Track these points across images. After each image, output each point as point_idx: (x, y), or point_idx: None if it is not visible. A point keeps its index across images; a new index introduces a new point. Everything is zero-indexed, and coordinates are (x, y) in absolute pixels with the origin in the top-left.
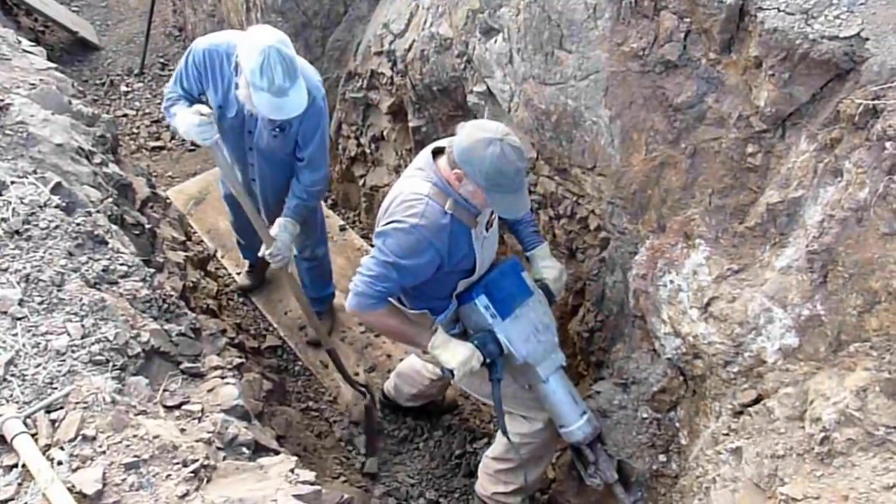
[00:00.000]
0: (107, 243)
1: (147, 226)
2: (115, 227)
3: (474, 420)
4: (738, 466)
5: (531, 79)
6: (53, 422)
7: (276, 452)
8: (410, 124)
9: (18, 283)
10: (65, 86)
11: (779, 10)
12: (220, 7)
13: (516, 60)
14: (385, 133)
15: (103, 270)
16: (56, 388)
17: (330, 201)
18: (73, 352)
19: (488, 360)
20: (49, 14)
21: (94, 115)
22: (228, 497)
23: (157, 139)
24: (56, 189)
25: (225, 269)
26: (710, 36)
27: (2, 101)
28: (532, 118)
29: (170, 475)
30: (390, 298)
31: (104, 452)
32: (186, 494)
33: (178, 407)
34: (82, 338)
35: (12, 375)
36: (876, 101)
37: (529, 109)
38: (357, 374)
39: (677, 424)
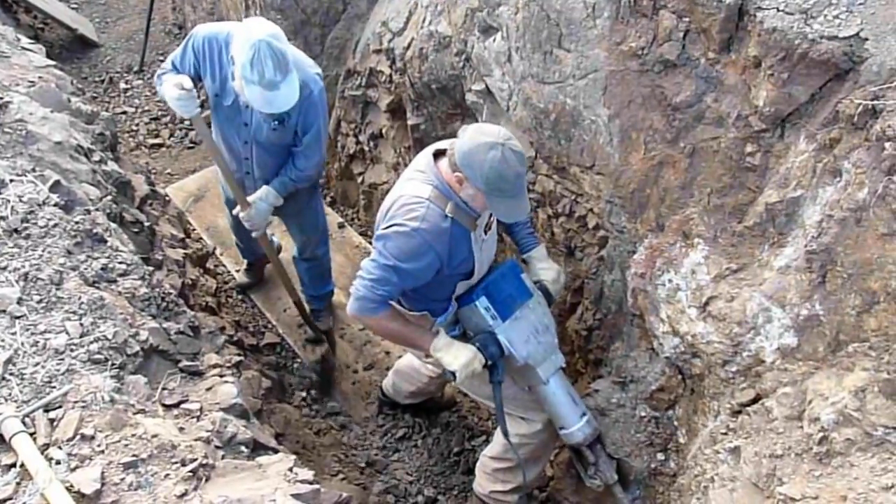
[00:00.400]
0: (106, 241)
1: (146, 223)
2: (113, 225)
3: (472, 417)
4: (737, 466)
5: (530, 77)
6: (52, 421)
7: (275, 451)
8: (409, 122)
9: (17, 281)
10: (64, 83)
11: (778, 10)
12: (220, 4)
13: (515, 59)
14: (384, 131)
15: (102, 269)
16: (55, 387)
17: (329, 198)
18: (71, 350)
19: (490, 363)
20: (48, 11)
21: (94, 113)
22: (227, 497)
23: (156, 136)
24: (55, 187)
25: (224, 266)
26: (710, 35)
27: (1, 98)
28: (531, 117)
29: (168, 475)
30: (391, 302)
31: (103, 452)
32: (185, 494)
33: (176, 406)
34: (81, 336)
35: (11, 374)
36: (875, 102)
37: (528, 108)
38: (356, 370)
39: (676, 423)
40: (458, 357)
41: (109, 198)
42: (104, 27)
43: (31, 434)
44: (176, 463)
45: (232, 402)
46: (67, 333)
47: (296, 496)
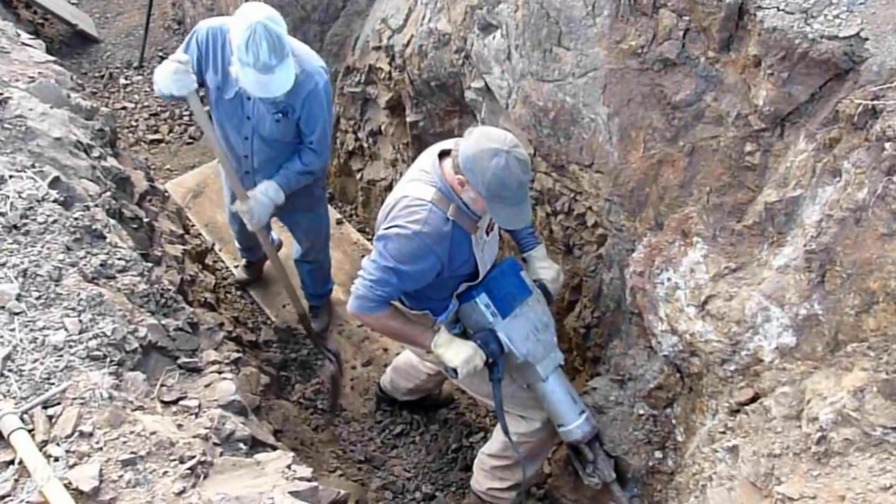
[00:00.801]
0: (105, 237)
1: (145, 219)
2: (113, 222)
3: (470, 414)
4: (735, 465)
5: (529, 75)
6: (50, 417)
7: (273, 448)
8: (408, 119)
9: (16, 277)
10: (63, 79)
11: (778, 10)
12: (219, 0)
13: (514, 57)
14: (383, 127)
15: (101, 265)
16: (53, 384)
17: (327, 195)
18: (70, 347)
19: (490, 360)
20: (48, 6)
21: (93, 109)
22: (225, 494)
23: (156, 132)
24: (54, 183)
25: (223, 262)
26: (710, 34)
27: (0, 94)
28: (530, 115)
29: (166, 472)
30: (391, 302)
31: (101, 449)
32: (183, 491)
33: (175, 402)
34: (80, 333)
35: (9, 370)
36: (875, 102)
37: (527, 106)
38: (354, 367)
39: (674, 421)
40: (458, 354)
41: (109, 194)
42: (104, 23)
43: (30, 431)
44: (174, 460)
45: (230, 398)
46: (66, 330)
47: (294, 493)
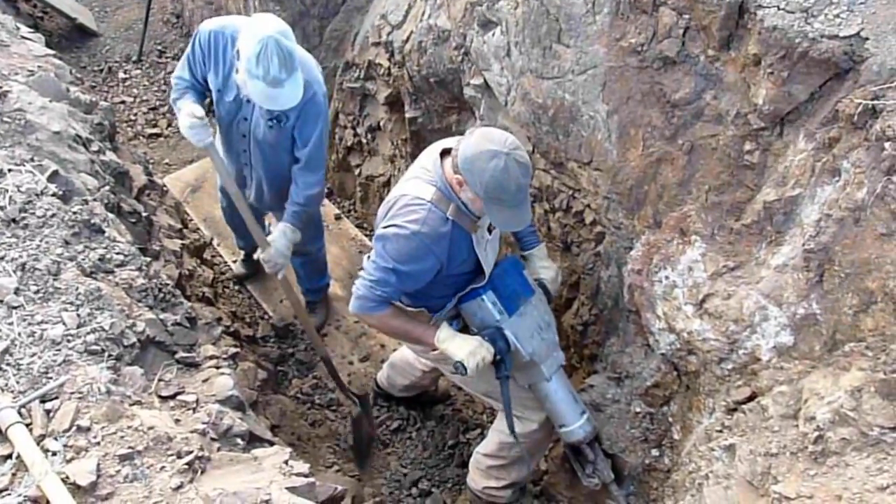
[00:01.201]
0: (103, 232)
1: (144, 214)
2: (111, 216)
3: (467, 411)
4: (732, 463)
5: (529, 72)
6: (48, 412)
7: (271, 443)
8: (407, 115)
9: (14, 271)
10: (63, 73)
11: (779, 9)
12: None
13: (514, 54)
14: (381, 123)
15: (99, 259)
16: (51, 378)
17: (325, 190)
18: (68, 341)
19: (498, 357)
20: (48, 0)
21: (92, 103)
22: (223, 490)
23: (155, 126)
24: (53, 177)
25: (221, 256)
26: (709, 33)
27: (0, 87)
28: (529, 112)
29: (164, 467)
30: (392, 301)
31: (99, 443)
32: (180, 486)
33: (172, 397)
34: (78, 327)
35: (7, 365)
36: (875, 101)
37: (526, 103)
38: (351, 362)
39: (670, 419)
40: (462, 347)
41: (107, 188)
42: (103, 16)
43: (27, 425)
44: (172, 455)
45: (228, 393)
46: (64, 324)
47: (291, 489)
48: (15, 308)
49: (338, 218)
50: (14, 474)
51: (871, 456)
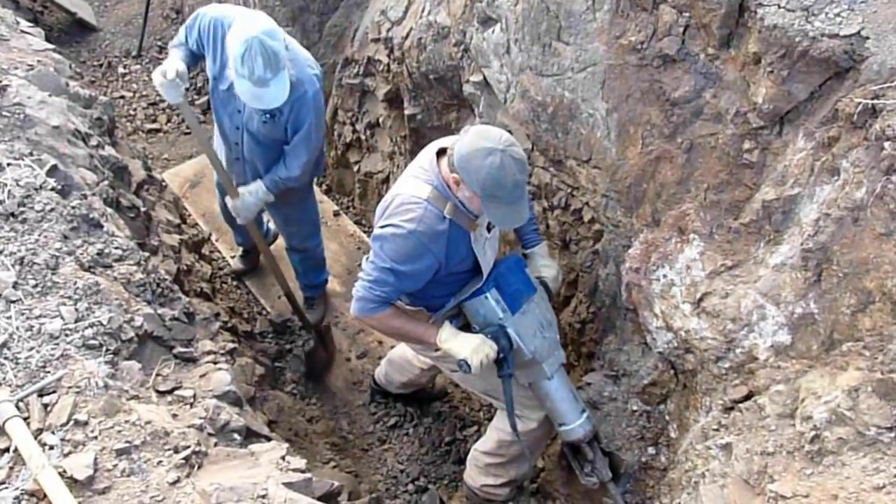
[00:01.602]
0: (102, 226)
1: (142, 209)
2: (110, 210)
3: (464, 408)
4: (728, 462)
5: (528, 70)
6: (46, 406)
7: (268, 438)
8: (406, 112)
9: (13, 265)
10: (62, 67)
11: (779, 7)
12: None
13: (514, 51)
14: (380, 120)
15: (98, 254)
16: (49, 372)
17: (324, 186)
18: (66, 335)
19: (501, 355)
20: None
21: (92, 97)
22: (219, 484)
23: (154, 121)
24: (52, 171)
25: (219, 252)
26: (710, 31)
27: None
28: (528, 109)
29: (161, 461)
30: (391, 302)
31: (96, 437)
32: (177, 481)
33: (170, 392)
34: (76, 322)
35: (5, 358)
36: (875, 101)
37: (526, 100)
38: (349, 359)
39: (667, 418)
40: (465, 345)
41: (106, 182)
42: (103, 11)
43: (25, 419)
44: (169, 450)
45: (225, 389)
46: (62, 318)
47: (288, 485)
48: (13, 302)
49: (336, 214)
50: (11, 468)
51: (868, 455)
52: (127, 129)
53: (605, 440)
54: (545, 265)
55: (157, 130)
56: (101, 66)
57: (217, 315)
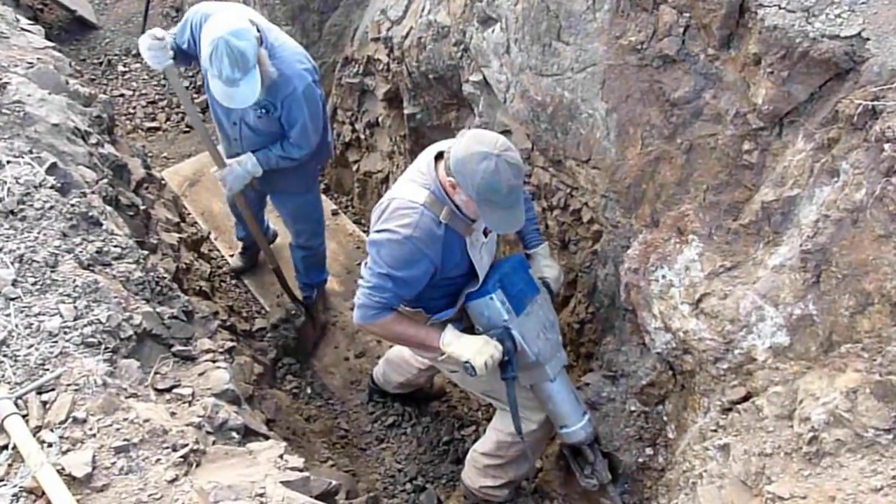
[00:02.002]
0: (101, 224)
1: (142, 207)
2: (109, 209)
3: (462, 408)
4: (726, 463)
5: (528, 69)
6: (45, 403)
7: (266, 437)
8: (405, 111)
9: (12, 263)
10: (62, 65)
11: (779, 8)
12: None
13: (513, 51)
14: (380, 119)
15: (97, 252)
16: (48, 370)
17: (323, 186)
18: (65, 333)
19: (506, 358)
20: None
21: (91, 95)
22: (217, 483)
23: (153, 120)
24: (51, 169)
25: (218, 251)
26: (710, 31)
27: None
28: (528, 109)
29: (159, 459)
30: (392, 307)
31: (94, 435)
32: (175, 479)
33: (168, 390)
34: (75, 319)
35: (4, 356)
36: (875, 102)
37: (525, 100)
38: (347, 358)
39: (665, 418)
40: (469, 347)
41: (105, 181)
42: (103, 9)
43: (24, 416)
44: (167, 448)
45: (224, 387)
46: (61, 316)
47: (285, 483)
48: (12, 300)
49: (335, 214)
50: (10, 465)
51: (866, 457)
52: (126, 127)
53: (604, 441)
54: (547, 265)
55: (157, 129)
56: (100, 64)
57: (216, 313)
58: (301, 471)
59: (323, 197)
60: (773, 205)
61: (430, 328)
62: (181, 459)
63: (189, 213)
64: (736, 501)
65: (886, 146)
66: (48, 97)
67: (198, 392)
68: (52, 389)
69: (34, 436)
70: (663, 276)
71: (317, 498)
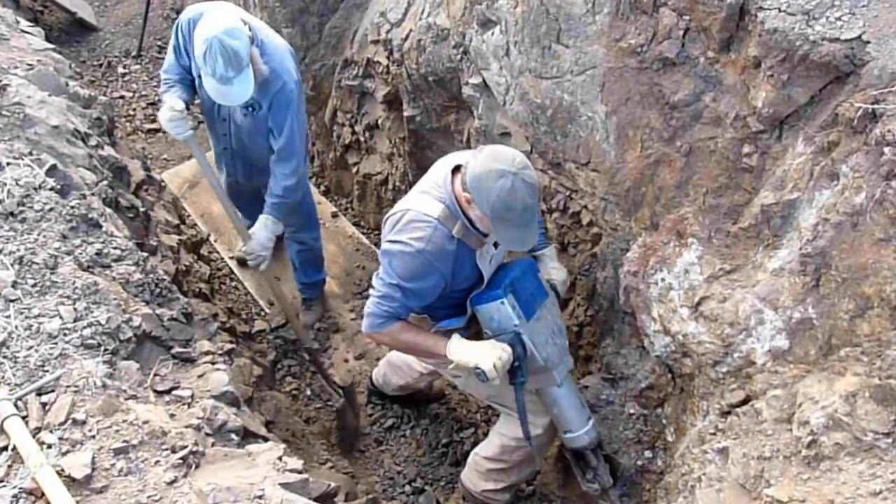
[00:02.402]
0: (101, 226)
1: (141, 209)
2: (109, 210)
3: (461, 410)
4: (725, 466)
5: (527, 72)
6: (44, 405)
7: (265, 439)
8: (405, 114)
9: (12, 265)
10: (62, 67)
11: (780, 11)
12: None
13: (513, 53)
14: (379, 122)
15: (97, 254)
16: (47, 371)
17: (323, 188)
18: (65, 335)
19: (516, 363)
20: None
21: (91, 97)
22: (216, 484)
23: (153, 122)
24: (51, 171)
25: (218, 253)
26: (710, 34)
27: None
28: (527, 112)
29: (158, 461)
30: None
31: (94, 437)
32: (174, 481)
33: (168, 392)
34: (74, 321)
35: (4, 357)
36: (875, 106)
37: (525, 103)
38: (346, 360)
39: (664, 421)
40: (476, 353)
41: (105, 182)
42: (103, 11)
43: (24, 417)
44: (166, 449)
45: (223, 389)
46: (61, 318)
47: (284, 485)
48: (12, 301)
49: (335, 216)
50: (10, 466)
51: (865, 461)
52: (126, 129)
53: (603, 443)
54: (554, 268)
55: (157, 131)
56: (100, 65)
57: (215, 315)
58: (300, 473)
59: (323, 199)
60: (772, 208)
61: (438, 337)
62: (180, 461)
63: (189, 215)
64: None
65: (886, 150)
66: (48, 99)
67: (197, 394)
68: (52, 391)
69: (34, 437)
70: (662, 280)
71: (316, 500)
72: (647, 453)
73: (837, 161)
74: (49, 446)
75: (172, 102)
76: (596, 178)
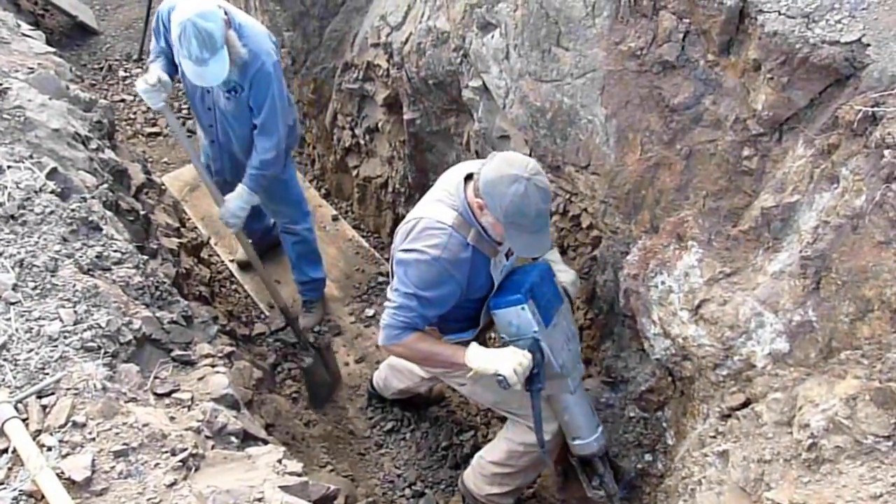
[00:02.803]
0: (101, 229)
1: (142, 212)
2: (109, 214)
3: (461, 413)
4: (725, 469)
5: (527, 75)
6: (44, 407)
7: (265, 442)
8: (405, 117)
9: (12, 267)
10: (63, 70)
11: (779, 14)
12: None
13: (513, 56)
14: (380, 125)
15: (97, 257)
16: (48, 374)
17: (323, 191)
18: (65, 338)
19: (535, 370)
20: None
21: (92, 101)
22: (216, 487)
23: (154, 125)
24: (52, 174)
25: (218, 255)
26: (709, 37)
27: (0, 84)
28: (527, 115)
29: (158, 464)
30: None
31: (94, 439)
32: (174, 483)
33: (168, 395)
34: (75, 324)
35: (4, 360)
36: (875, 108)
37: (525, 106)
38: (347, 363)
39: (664, 424)
40: (496, 359)
41: (106, 186)
42: (104, 15)
43: (24, 420)
44: (166, 452)
45: (223, 392)
46: (61, 321)
47: (284, 488)
48: (12, 304)
49: (335, 219)
50: (10, 469)
51: (865, 464)
52: (127, 132)
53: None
54: (561, 270)
55: (157, 134)
56: (101, 69)
57: (215, 318)
58: (300, 475)
59: (323, 202)
60: (772, 211)
61: (455, 346)
62: (180, 464)
63: (189, 218)
64: None
65: (886, 152)
66: (49, 102)
67: (197, 397)
68: (52, 393)
69: (34, 440)
70: (662, 283)
71: (315, 503)
72: (648, 456)
73: (837, 164)
74: (49, 449)
75: (150, 74)
76: (596, 181)
